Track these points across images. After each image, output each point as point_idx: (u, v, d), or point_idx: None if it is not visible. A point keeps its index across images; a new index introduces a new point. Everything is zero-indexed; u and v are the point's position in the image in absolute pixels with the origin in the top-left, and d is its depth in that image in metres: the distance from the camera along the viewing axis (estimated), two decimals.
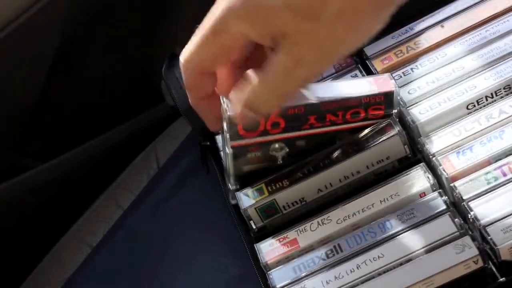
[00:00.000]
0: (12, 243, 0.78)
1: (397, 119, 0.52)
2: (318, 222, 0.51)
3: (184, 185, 0.69)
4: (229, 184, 0.52)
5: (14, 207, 0.76)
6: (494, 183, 0.48)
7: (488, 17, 0.54)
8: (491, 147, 0.49)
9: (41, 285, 0.70)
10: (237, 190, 0.52)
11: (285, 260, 0.51)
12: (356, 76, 0.56)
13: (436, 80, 0.52)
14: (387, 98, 0.50)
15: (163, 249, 0.65)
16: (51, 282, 0.70)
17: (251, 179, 0.52)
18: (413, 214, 0.49)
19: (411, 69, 0.54)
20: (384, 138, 0.51)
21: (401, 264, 0.48)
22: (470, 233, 0.47)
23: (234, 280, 0.60)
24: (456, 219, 0.48)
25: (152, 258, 0.65)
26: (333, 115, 0.49)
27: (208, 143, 0.59)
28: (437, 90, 0.52)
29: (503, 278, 0.47)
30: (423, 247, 0.48)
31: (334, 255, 0.50)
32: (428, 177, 0.50)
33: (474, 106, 0.51)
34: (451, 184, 0.49)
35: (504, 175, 0.48)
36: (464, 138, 0.50)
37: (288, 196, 0.52)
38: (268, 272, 0.50)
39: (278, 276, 0.50)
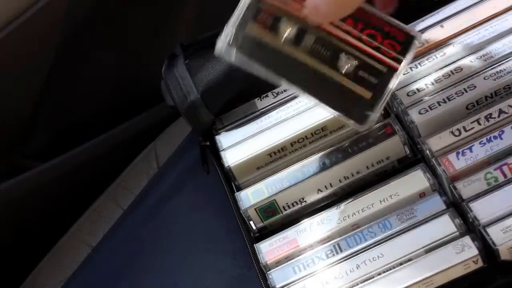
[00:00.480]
0: (12, 243, 0.78)
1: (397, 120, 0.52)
2: (318, 222, 0.51)
3: (184, 185, 0.69)
4: (223, 34, 0.48)
5: (14, 207, 0.76)
6: (494, 183, 0.48)
7: (488, 16, 0.54)
8: (491, 147, 0.49)
9: (41, 285, 0.70)
10: (229, 45, 0.48)
11: (285, 260, 0.51)
12: None
13: (435, 80, 0.52)
14: (406, 39, 0.48)
15: (163, 249, 0.65)
16: (51, 282, 0.70)
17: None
18: (413, 214, 0.49)
19: (411, 68, 0.54)
20: (384, 138, 0.51)
21: (401, 264, 0.48)
22: (470, 233, 0.47)
23: (234, 280, 0.61)
24: (456, 219, 0.48)
25: (152, 258, 0.65)
26: (353, 21, 0.47)
27: (208, 143, 0.59)
28: (436, 90, 0.52)
29: (503, 278, 0.47)
30: (423, 247, 0.48)
31: (334, 255, 0.50)
32: (428, 177, 0.50)
33: (474, 106, 0.51)
34: (451, 184, 0.49)
35: (504, 175, 0.48)
36: (464, 138, 0.50)
37: (288, 196, 0.52)
38: (268, 272, 0.50)
39: (278, 276, 0.50)
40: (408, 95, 0.52)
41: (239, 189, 0.54)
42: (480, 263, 0.47)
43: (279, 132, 0.55)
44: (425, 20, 0.56)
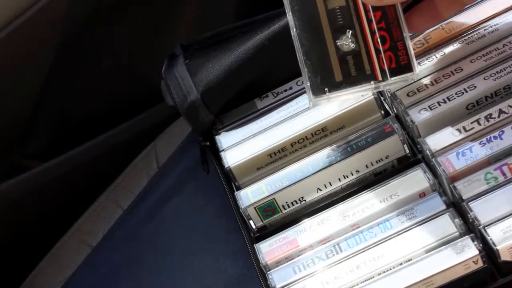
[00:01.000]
0: (12, 243, 0.78)
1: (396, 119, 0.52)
2: (318, 222, 0.51)
3: (184, 185, 0.69)
4: None
5: (14, 207, 0.76)
6: (493, 183, 0.48)
7: (488, 16, 0.54)
8: (491, 147, 0.49)
9: (41, 285, 0.70)
10: None
11: (285, 260, 0.51)
12: None
13: (435, 80, 0.52)
14: (404, 66, 0.49)
15: (163, 249, 0.65)
16: (51, 282, 0.70)
17: None
18: (413, 214, 0.49)
19: None
20: (383, 136, 0.52)
21: (401, 264, 0.48)
22: (470, 233, 0.47)
23: (234, 280, 0.61)
24: (456, 219, 0.48)
25: (152, 258, 0.65)
26: (381, 17, 0.48)
27: (208, 143, 0.59)
28: (436, 90, 0.52)
29: (503, 279, 0.47)
30: (423, 247, 0.48)
31: (334, 255, 0.50)
32: (428, 177, 0.50)
33: (474, 106, 0.51)
34: (451, 184, 0.48)
35: (504, 175, 0.48)
36: (464, 138, 0.50)
37: (287, 195, 0.52)
38: (268, 272, 0.50)
39: (278, 276, 0.50)
40: (408, 95, 0.52)
41: (239, 189, 0.54)
42: (480, 264, 0.46)
43: (279, 133, 0.55)
44: None
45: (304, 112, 0.55)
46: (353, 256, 0.49)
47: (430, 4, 0.50)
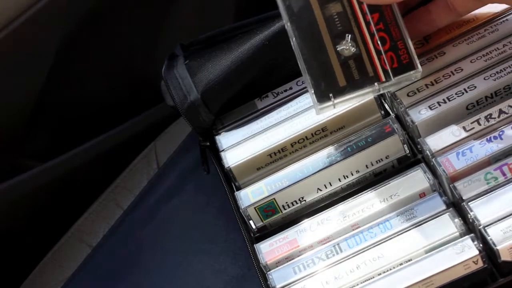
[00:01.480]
0: (12, 243, 0.78)
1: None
2: (318, 222, 0.51)
3: (184, 185, 0.69)
4: None
5: (14, 207, 0.76)
6: (494, 184, 0.48)
7: (488, 17, 0.54)
8: (491, 147, 0.49)
9: (41, 285, 0.70)
10: None
11: (285, 260, 0.51)
12: None
13: (436, 80, 0.52)
14: (407, 65, 0.49)
15: (163, 249, 0.65)
16: (51, 282, 0.70)
17: None
18: (413, 214, 0.49)
19: None
20: (383, 136, 0.52)
21: (401, 264, 0.48)
22: (470, 233, 0.47)
23: (234, 280, 0.61)
24: (456, 220, 0.48)
25: (151, 258, 0.65)
26: (379, 18, 0.49)
27: (208, 143, 0.59)
28: (437, 90, 0.52)
29: (503, 279, 0.47)
30: (423, 247, 0.48)
31: (334, 255, 0.50)
32: (428, 178, 0.50)
33: (474, 106, 0.51)
34: (451, 185, 0.48)
35: (504, 175, 0.48)
36: (464, 138, 0.50)
37: (287, 195, 0.52)
38: (268, 272, 0.50)
39: (278, 276, 0.50)
40: (408, 95, 0.52)
41: (239, 189, 0.54)
42: (480, 264, 0.46)
43: (279, 133, 0.55)
44: None
45: (304, 112, 0.55)
46: (353, 256, 0.49)
47: (426, 12, 0.50)
